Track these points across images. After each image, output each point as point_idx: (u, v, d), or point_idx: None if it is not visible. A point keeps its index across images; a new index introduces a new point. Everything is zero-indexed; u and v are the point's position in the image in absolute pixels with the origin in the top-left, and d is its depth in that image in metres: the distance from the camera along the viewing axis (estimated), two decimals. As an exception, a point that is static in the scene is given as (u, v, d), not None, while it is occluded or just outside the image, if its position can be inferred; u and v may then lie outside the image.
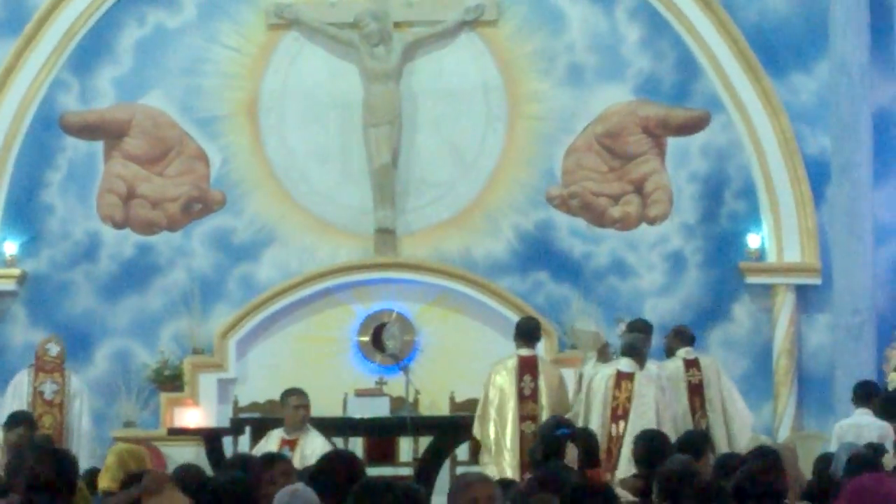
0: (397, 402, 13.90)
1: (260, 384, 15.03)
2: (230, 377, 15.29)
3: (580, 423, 12.26)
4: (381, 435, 14.16)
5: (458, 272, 15.55)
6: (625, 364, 12.44)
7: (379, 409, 13.73)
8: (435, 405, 14.74)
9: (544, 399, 12.97)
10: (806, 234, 15.44)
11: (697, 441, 9.67)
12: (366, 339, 15.40)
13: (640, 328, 13.28)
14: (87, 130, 15.76)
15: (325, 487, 6.54)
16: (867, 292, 14.86)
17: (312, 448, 11.11)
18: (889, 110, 15.49)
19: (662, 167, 15.79)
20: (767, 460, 7.54)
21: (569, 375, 14.00)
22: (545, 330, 14.87)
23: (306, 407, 11.59)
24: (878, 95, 15.24)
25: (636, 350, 12.64)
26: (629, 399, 12.56)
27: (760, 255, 15.57)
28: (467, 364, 15.07)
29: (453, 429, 13.80)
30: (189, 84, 15.72)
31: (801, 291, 15.42)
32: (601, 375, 12.52)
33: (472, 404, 14.58)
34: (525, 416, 12.78)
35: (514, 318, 15.08)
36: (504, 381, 13.14)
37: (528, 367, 12.92)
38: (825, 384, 14.60)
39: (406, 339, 15.30)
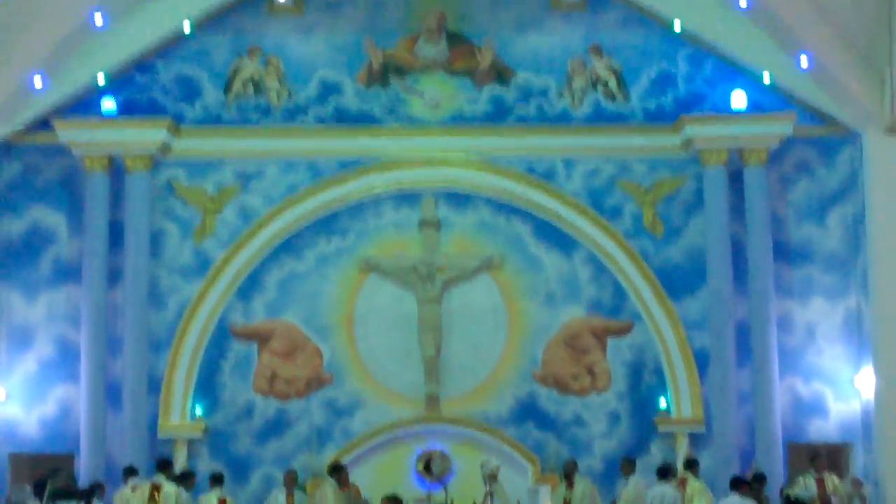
0: (440, 507, 15.17)
1: (355, 495, 15.25)
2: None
3: None
4: (429, 527, 14.88)
5: (477, 424, 17.12)
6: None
7: (429, 513, 14.55)
8: (464, 510, 15.48)
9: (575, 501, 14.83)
10: (695, 399, 17.13)
11: None
12: (420, 467, 16.96)
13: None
14: (247, 336, 17.32)
15: None
16: (734, 436, 16.80)
17: None
18: (745, 319, 17.17)
19: (604, 357, 17.19)
20: None
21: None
22: (531, 460, 16.75)
23: None
24: (737, 311, 17.12)
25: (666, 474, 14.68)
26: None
27: (667, 412, 17.17)
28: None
29: (475, 524, 14.75)
30: (310, 306, 17.40)
31: (692, 436, 17.15)
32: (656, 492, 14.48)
33: (487, 511, 15.41)
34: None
35: (513, 453, 16.65)
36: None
37: (569, 481, 15.21)
38: (715, 496, 15.29)
39: (445, 466, 16.79)
